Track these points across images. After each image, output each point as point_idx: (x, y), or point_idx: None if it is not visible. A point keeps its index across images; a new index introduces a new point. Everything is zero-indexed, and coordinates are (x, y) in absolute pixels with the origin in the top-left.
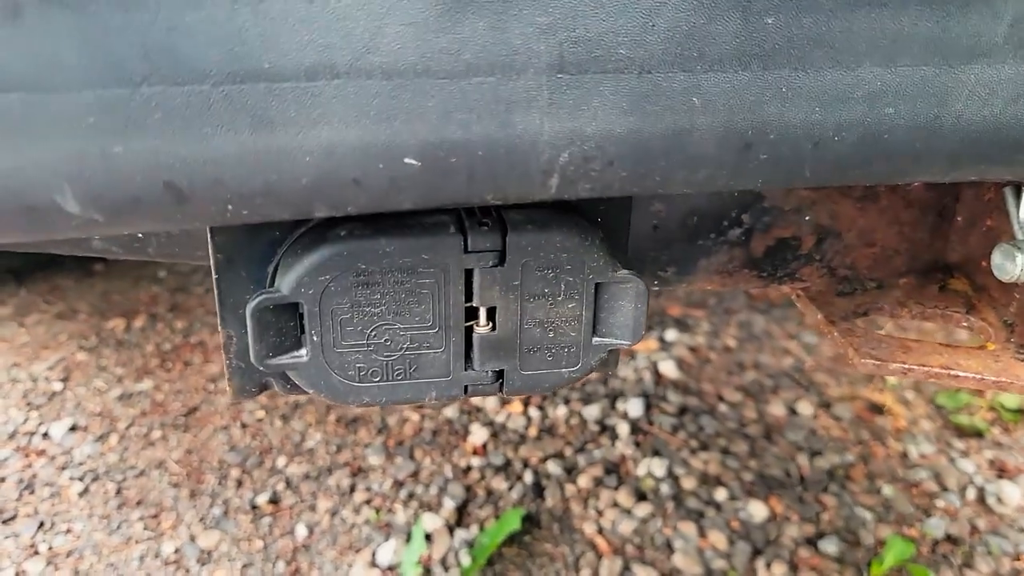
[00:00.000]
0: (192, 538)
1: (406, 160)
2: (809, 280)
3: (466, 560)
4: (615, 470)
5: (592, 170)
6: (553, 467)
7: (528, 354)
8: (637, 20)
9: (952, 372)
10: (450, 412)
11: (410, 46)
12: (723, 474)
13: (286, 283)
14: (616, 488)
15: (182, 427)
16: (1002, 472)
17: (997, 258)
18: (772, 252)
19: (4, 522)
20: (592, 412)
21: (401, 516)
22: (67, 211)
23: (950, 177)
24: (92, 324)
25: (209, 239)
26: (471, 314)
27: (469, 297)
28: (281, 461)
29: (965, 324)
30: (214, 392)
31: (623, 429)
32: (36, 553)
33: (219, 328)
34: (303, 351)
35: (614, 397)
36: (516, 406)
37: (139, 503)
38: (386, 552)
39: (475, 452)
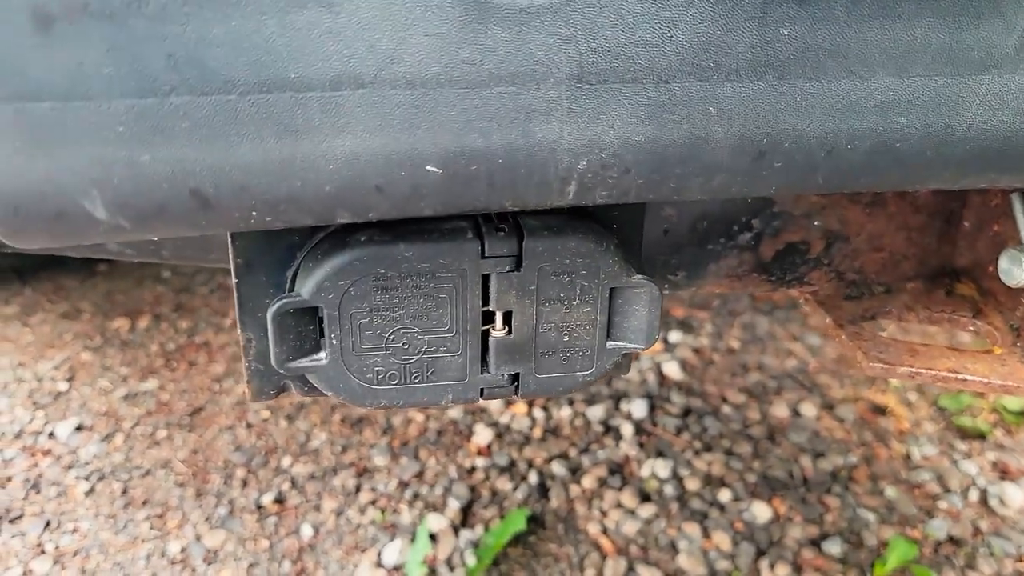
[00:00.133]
0: (198, 537)
1: (428, 168)
2: (818, 284)
3: (471, 560)
4: (619, 471)
5: (609, 177)
6: (557, 468)
7: (543, 357)
8: (656, 31)
9: (959, 376)
10: (455, 413)
11: (433, 56)
12: (727, 475)
13: (307, 287)
14: (620, 489)
15: (187, 427)
16: (1005, 474)
17: (1004, 263)
18: (781, 256)
19: (11, 521)
20: (596, 413)
21: (406, 516)
22: (95, 217)
23: (960, 185)
24: (97, 324)
25: (229, 244)
26: (487, 318)
27: (486, 301)
28: (286, 461)
29: (972, 328)
30: (219, 392)
31: (627, 430)
32: (43, 552)
33: (239, 331)
34: (322, 354)
35: (618, 398)
36: (520, 407)
37: (145, 503)
38: (391, 552)
39: (480, 453)
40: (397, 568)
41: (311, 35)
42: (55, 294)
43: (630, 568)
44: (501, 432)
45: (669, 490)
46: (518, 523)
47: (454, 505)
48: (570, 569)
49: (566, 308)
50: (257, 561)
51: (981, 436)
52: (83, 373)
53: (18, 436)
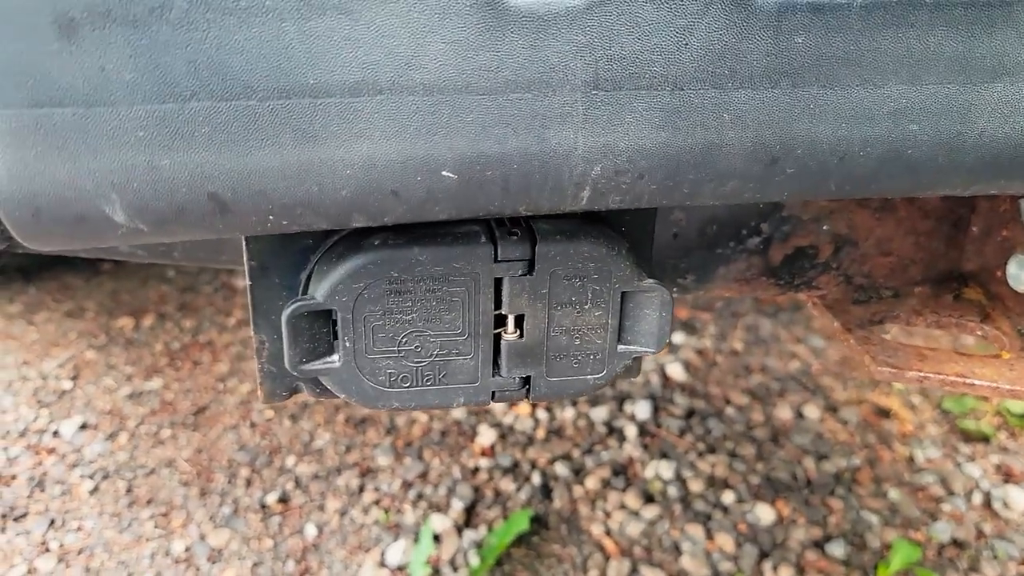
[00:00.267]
0: (202, 536)
1: (444, 173)
2: (826, 288)
3: (475, 560)
4: (623, 472)
5: (623, 183)
6: (561, 469)
7: (554, 361)
8: (671, 39)
9: (967, 380)
10: (459, 414)
11: (451, 63)
12: (730, 477)
13: (321, 290)
14: (624, 490)
15: (191, 426)
16: (1008, 477)
17: (1012, 268)
18: (790, 260)
19: (15, 519)
20: (600, 414)
21: (410, 516)
22: (114, 221)
23: (971, 191)
24: (101, 323)
25: (244, 247)
26: (499, 321)
27: (498, 305)
28: (290, 461)
29: (980, 333)
30: (223, 391)
31: (631, 431)
32: (47, 550)
33: (252, 334)
34: (335, 357)
35: (621, 399)
36: (524, 408)
37: (149, 501)
38: (395, 552)
39: (483, 453)
40: (401, 568)
41: (330, 42)
42: (60, 293)
43: (633, 569)
44: (505, 433)
45: (672, 491)
46: (521, 524)
47: (458, 505)
48: (573, 570)
49: (578, 312)
50: (261, 560)
51: (985, 439)
52: (88, 372)
53: (23, 434)
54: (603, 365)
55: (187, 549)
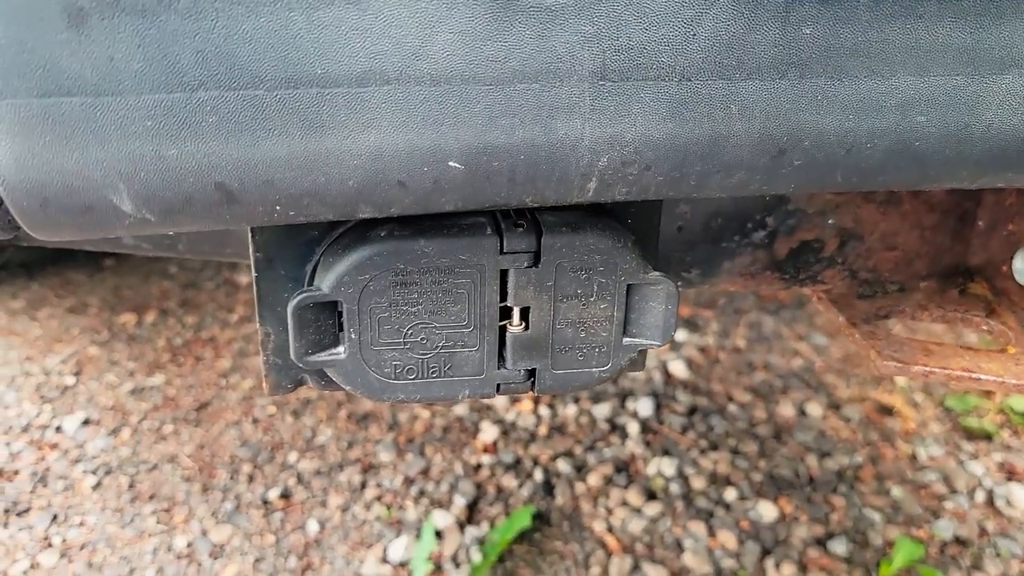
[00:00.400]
0: (204, 532)
1: (450, 163)
2: (831, 283)
3: (477, 557)
4: (625, 469)
5: (629, 174)
6: (563, 465)
7: (560, 353)
8: (679, 29)
9: (973, 375)
10: (461, 410)
11: (458, 53)
12: (732, 474)
13: (327, 282)
14: (626, 487)
15: (194, 422)
16: (1011, 475)
17: (1018, 263)
18: (795, 254)
19: (18, 514)
20: (602, 411)
21: (412, 513)
22: (122, 210)
23: (978, 184)
24: (103, 318)
25: (249, 238)
26: (505, 314)
27: (503, 297)
28: (292, 457)
29: (985, 328)
30: (225, 387)
31: (633, 428)
32: (50, 545)
33: (257, 325)
34: (341, 348)
35: (624, 396)
36: (526, 404)
37: (152, 497)
38: (397, 548)
39: (485, 450)
40: (403, 564)
41: (338, 31)
42: (62, 288)
43: (635, 566)
44: (507, 429)
45: (675, 488)
46: (523, 520)
47: (460, 502)
48: (575, 567)
49: (583, 304)
50: (263, 556)
51: (988, 437)
52: (90, 367)
53: (25, 430)
54: (608, 358)
55: (189, 545)
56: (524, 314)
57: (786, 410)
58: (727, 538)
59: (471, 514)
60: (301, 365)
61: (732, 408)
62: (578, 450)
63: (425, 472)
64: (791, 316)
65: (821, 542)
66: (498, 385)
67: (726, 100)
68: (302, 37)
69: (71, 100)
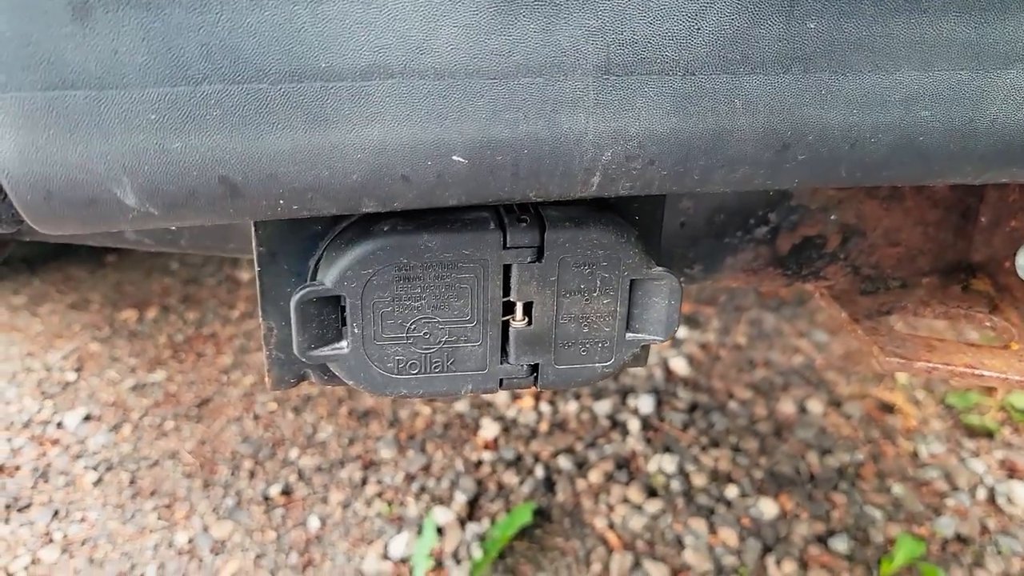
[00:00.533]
0: (205, 528)
1: (454, 157)
2: (833, 279)
3: (478, 553)
4: (626, 466)
5: (633, 169)
6: (564, 462)
7: (563, 348)
8: (683, 23)
9: (976, 371)
10: (462, 406)
11: (462, 47)
12: (733, 471)
13: (330, 276)
14: (627, 484)
15: (195, 418)
16: (1012, 472)
17: (1021, 259)
18: (797, 250)
19: (19, 510)
20: (603, 407)
21: (413, 509)
22: (125, 204)
23: (982, 179)
24: (105, 314)
25: (253, 233)
26: (508, 309)
27: (507, 292)
28: (293, 453)
29: (988, 324)
30: (226, 384)
31: (634, 425)
32: (51, 541)
33: (260, 320)
34: (344, 343)
35: (625, 393)
36: (527, 401)
37: (153, 493)
38: (398, 545)
39: (486, 446)
40: (404, 560)
41: (342, 25)
42: (64, 284)
43: (636, 563)
44: (508, 426)
45: (676, 485)
46: (524, 517)
47: (460, 498)
48: (576, 563)
49: (586, 299)
50: (264, 552)
51: (989, 434)
52: (91, 363)
53: (26, 425)
54: (611, 353)
55: (190, 541)
56: (527, 309)
57: (787, 407)
58: (728, 535)
59: (472, 510)
60: (304, 360)
61: (733, 405)
62: (579, 447)
63: (426, 468)
64: (792, 313)
65: (822, 539)
66: (501, 380)
67: (730, 94)
68: (306, 31)
69: (75, 93)
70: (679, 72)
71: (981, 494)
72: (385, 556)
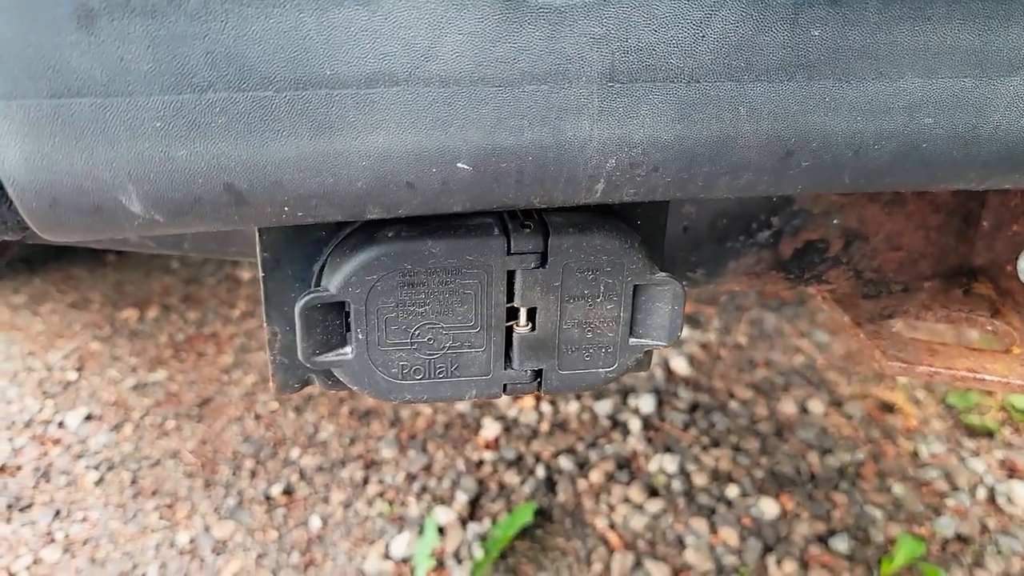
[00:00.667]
0: (207, 528)
1: (459, 165)
2: (836, 282)
3: (479, 553)
4: (627, 465)
5: (637, 176)
6: (565, 462)
7: (566, 354)
8: (688, 31)
9: (978, 376)
10: (463, 407)
11: (467, 55)
12: (734, 471)
13: (334, 282)
14: (628, 483)
15: (196, 418)
16: (1012, 472)
17: (1022, 263)
18: (800, 254)
19: (21, 510)
20: (604, 407)
21: (414, 509)
22: (131, 211)
23: (985, 185)
24: (106, 314)
25: (257, 239)
26: (511, 314)
27: (510, 298)
28: (295, 453)
29: (989, 328)
30: (228, 383)
31: (635, 425)
32: (52, 541)
33: (264, 325)
34: (348, 349)
35: (626, 393)
36: (528, 401)
37: (154, 493)
38: (399, 544)
39: (487, 446)
40: (405, 560)
41: (347, 33)
42: (64, 284)
43: (637, 562)
44: (509, 426)
45: (676, 485)
46: (525, 517)
47: (462, 498)
48: (577, 563)
49: (590, 305)
50: (266, 552)
51: (989, 434)
52: (92, 363)
53: (28, 425)
54: (615, 358)
55: (192, 540)
56: (531, 315)
57: (788, 407)
58: (729, 535)
59: (473, 510)
60: (308, 365)
61: (734, 405)
62: (580, 447)
63: (427, 468)
64: (793, 313)
65: (823, 539)
66: (504, 385)
67: (734, 102)
68: (311, 38)
69: (81, 101)
70: (684, 79)
71: (981, 494)
72: (386, 556)
